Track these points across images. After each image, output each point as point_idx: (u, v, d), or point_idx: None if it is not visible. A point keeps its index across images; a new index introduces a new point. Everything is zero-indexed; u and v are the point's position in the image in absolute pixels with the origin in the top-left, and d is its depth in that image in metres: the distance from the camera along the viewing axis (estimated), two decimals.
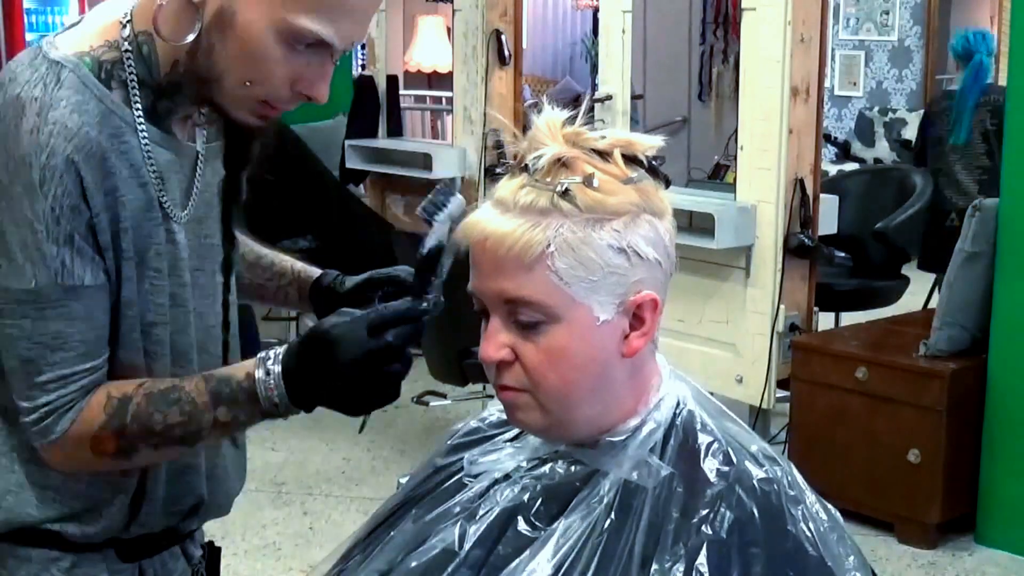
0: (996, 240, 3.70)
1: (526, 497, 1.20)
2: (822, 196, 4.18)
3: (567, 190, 1.11)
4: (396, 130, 5.93)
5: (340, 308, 1.32)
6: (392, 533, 1.28)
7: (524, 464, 1.24)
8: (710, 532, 1.11)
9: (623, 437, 1.18)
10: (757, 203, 3.99)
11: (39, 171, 1.21)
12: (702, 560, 1.10)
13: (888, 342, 4.04)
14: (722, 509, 1.12)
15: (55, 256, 1.23)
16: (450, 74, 5.67)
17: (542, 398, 1.15)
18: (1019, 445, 3.65)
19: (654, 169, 1.17)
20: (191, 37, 1.24)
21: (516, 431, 1.29)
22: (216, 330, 1.43)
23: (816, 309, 4.27)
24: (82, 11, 9.94)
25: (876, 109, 9.08)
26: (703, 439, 1.18)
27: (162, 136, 1.31)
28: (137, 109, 1.27)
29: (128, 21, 1.28)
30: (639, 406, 1.20)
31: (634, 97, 4.54)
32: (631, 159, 1.15)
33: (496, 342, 1.15)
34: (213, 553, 1.56)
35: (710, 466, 1.16)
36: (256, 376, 1.27)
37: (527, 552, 1.15)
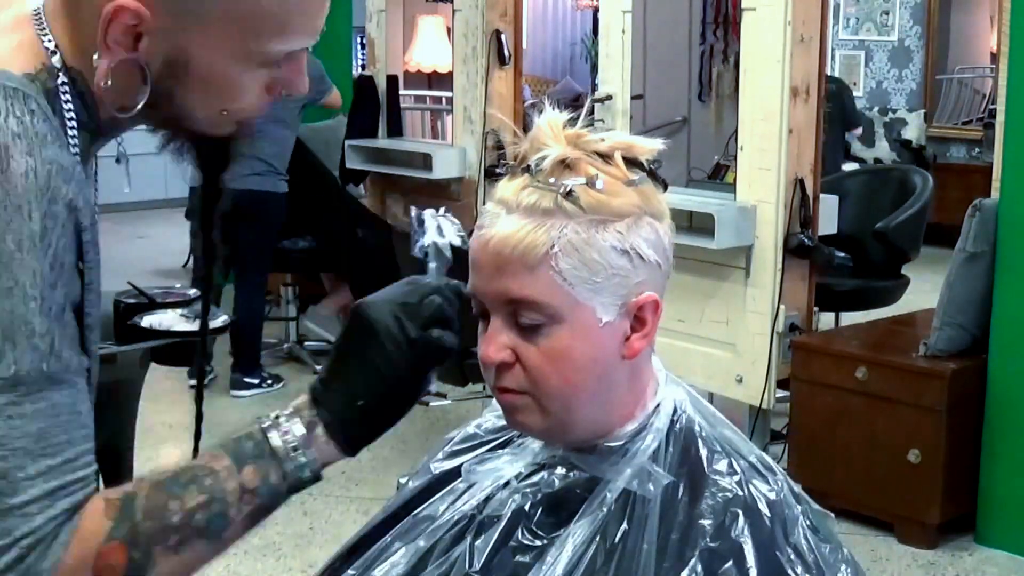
0: (996, 240, 3.70)
1: (527, 506, 1.20)
2: (822, 196, 4.18)
3: (571, 191, 1.11)
4: (396, 130, 5.93)
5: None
6: (389, 539, 1.28)
7: (523, 471, 1.24)
8: (714, 543, 1.11)
9: (622, 442, 1.18)
10: (757, 203, 3.99)
11: (40, 221, 0.99)
12: (706, 571, 1.10)
13: (888, 342, 4.04)
14: (726, 519, 1.12)
15: (45, 334, 0.99)
16: (450, 74, 5.67)
17: (543, 400, 1.15)
18: (1019, 445, 3.66)
19: (653, 172, 1.17)
20: (141, 100, 1.07)
21: (512, 434, 1.29)
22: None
23: (816, 309, 4.27)
24: None
25: (876, 109, 9.08)
26: (703, 447, 1.18)
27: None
28: (75, 149, 1.06)
29: (55, 50, 1.07)
30: (637, 410, 1.20)
31: (634, 97, 4.53)
32: (631, 162, 1.15)
33: (496, 343, 1.14)
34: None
35: (712, 475, 1.16)
36: (273, 444, 1.10)
37: (535, 565, 1.15)
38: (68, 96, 1.07)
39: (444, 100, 7.02)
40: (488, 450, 1.29)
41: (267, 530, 3.79)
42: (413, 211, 1.28)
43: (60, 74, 1.07)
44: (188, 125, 1.12)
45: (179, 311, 2.30)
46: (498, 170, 5.20)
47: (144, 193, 8.56)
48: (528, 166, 1.13)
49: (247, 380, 5.24)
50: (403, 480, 1.38)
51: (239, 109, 1.12)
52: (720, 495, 1.14)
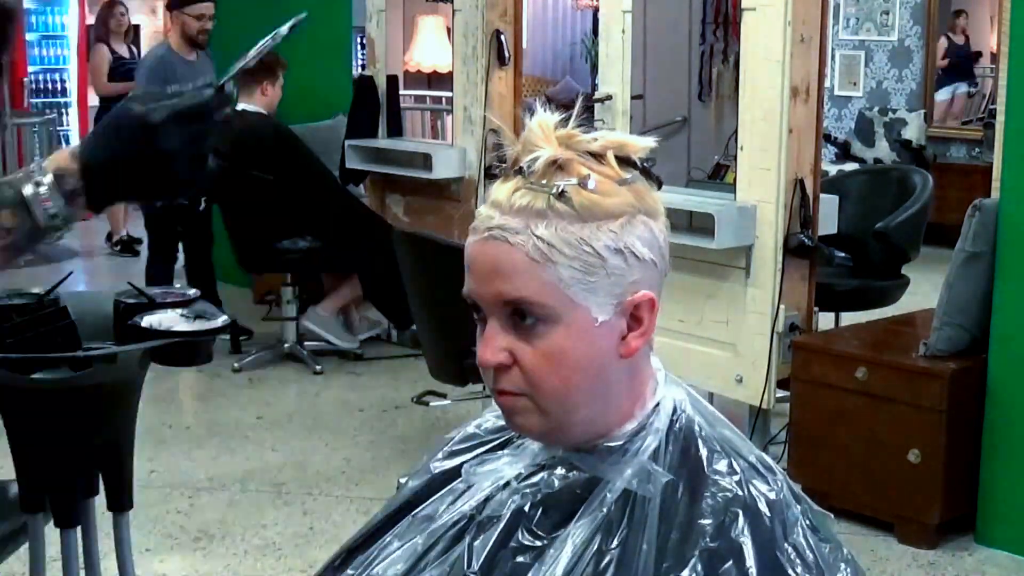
0: (996, 240, 3.70)
1: (526, 507, 1.20)
2: (822, 196, 4.18)
3: (563, 192, 1.12)
4: (396, 130, 5.94)
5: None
6: (388, 539, 1.28)
7: (523, 471, 1.24)
8: (714, 543, 1.11)
9: (621, 442, 1.18)
10: (757, 203, 3.99)
11: None
12: (706, 571, 1.10)
13: (888, 342, 4.04)
14: (726, 519, 1.12)
15: None
16: (450, 74, 5.67)
17: (541, 401, 1.15)
18: (1019, 445, 3.65)
19: (647, 170, 1.17)
20: None
21: (510, 435, 1.29)
22: None
23: (816, 309, 4.27)
24: (82, 11, 9.94)
25: (876, 109, 9.08)
26: (703, 446, 1.18)
27: None
28: None
29: None
30: (635, 409, 1.20)
31: (634, 97, 4.53)
32: (624, 160, 1.16)
33: (493, 346, 1.15)
34: None
35: (712, 475, 1.16)
36: (25, 194, 1.19)
37: (535, 565, 1.15)
38: None
39: (444, 100, 7.03)
40: (488, 450, 1.30)
41: (267, 530, 3.80)
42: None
43: None
44: None
45: (179, 311, 2.30)
46: (497, 170, 5.20)
47: None
48: (520, 168, 1.14)
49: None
50: (403, 480, 1.38)
51: None
52: (720, 495, 1.14)
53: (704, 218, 3.92)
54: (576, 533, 1.14)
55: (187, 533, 3.79)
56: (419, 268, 3.99)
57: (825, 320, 4.84)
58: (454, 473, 1.29)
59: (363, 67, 6.70)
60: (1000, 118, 3.92)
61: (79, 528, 2.35)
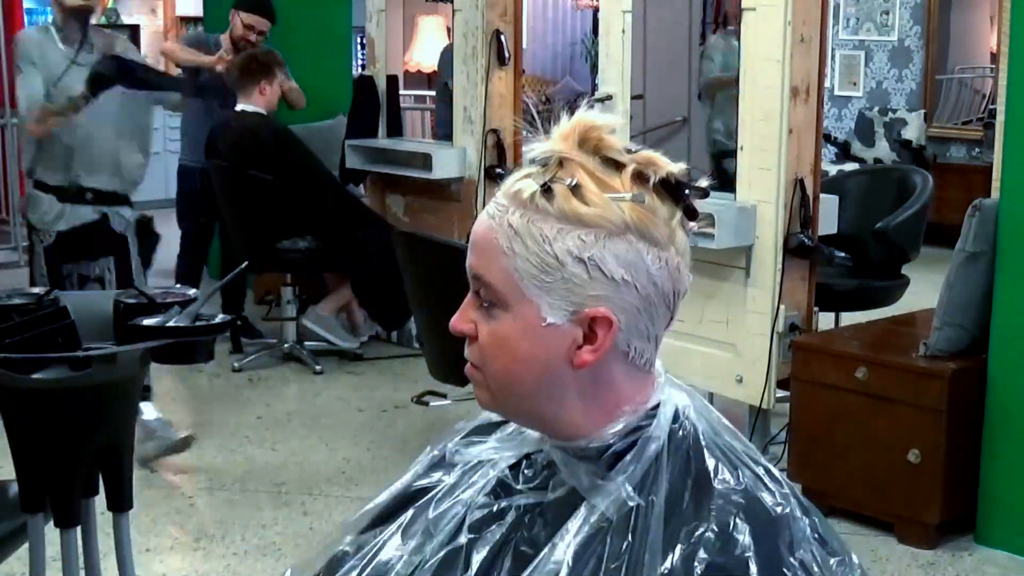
0: (996, 240, 3.70)
1: (525, 515, 1.20)
2: (822, 196, 4.18)
3: (549, 188, 1.13)
4: (396, 130, 5.94)
5: None
6: (391, 532, 1.28)
7: (518, 462, 1.24)
8: (719, 556, 1.09)
9: (609, 442, 1.16)
10: (757, 203, 3.99)
11: None
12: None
13: (888, 342, 4.04)
14: (731, 533, 1.10)
15: None
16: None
17: (488, 379, 1.18)
18: (1019, 445, 3.65)
19: (678, 196, 1.16)
20: None
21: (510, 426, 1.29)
22: None
23: (816, 309, 4.27)
24: None
25: (876, 109, 9.08)
26: (709, 456, 1.16)
27: None
28: None
29: None
30: (618, 410, 1.18)
31: (634, 97, 4.53)
32: (639, 176, 1.14)
33: (464, 315, 1.19)
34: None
35: (718, 486, 1.13)
36: None
37: (532, 571, 1.14)
38: None
39: None
40: (480, 437, 1.31)
41: (267, 530, 3.80)
42: None
43: None
44: None
45: (178, 310, 2.30)
46: (498, 170, 5.22)
47: (144, 193, 8.54)
48: (535, 157, 1.16)
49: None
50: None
51: None
52: (726, 507, 1.12)
53: (704, 218, 3.92)
54: (576, 543, 1.13)
55: (187, 533, 3.79)
56: (419, 268, 3.99)
57: (825, 320, 4.84)
58: (453, 464, 1.30)
59: (363, 67, 6.71)
60: (1000, 118, 3.92)
61: (79, 528, 2.35)
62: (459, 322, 1.19)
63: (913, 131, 8.81)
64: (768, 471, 1.17)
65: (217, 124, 5.61)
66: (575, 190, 1.12)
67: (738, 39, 4.12)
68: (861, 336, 4.15)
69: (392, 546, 1.26)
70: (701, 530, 1.10)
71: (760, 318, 4.04)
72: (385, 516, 1.32)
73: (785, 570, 1.10)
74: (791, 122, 3.92)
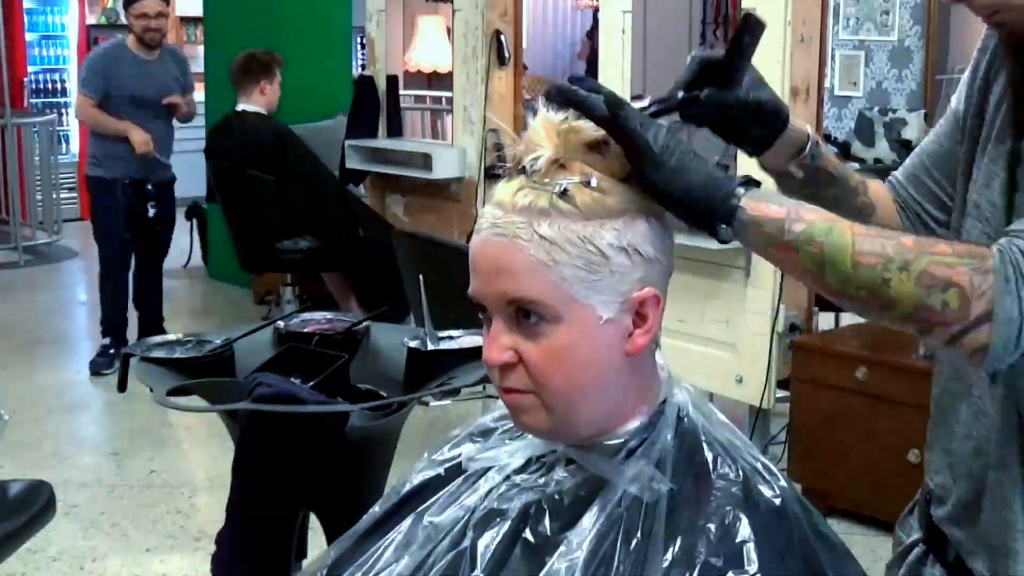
0: None
1: (532, 508, 1.20)
2: None
3: (565, 190, 1.12)
4: (396, 130, 5.94)
5: None
6: (391, 538, 1.27)
7: (521, 462, 1.24)
8: (719, 546, 1.10)
9: (623, 440, 1.18)
10: None
11: None
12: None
13: (888, 342, 4.04)
14: (730, 524, 1.11)
15: None
16: (450, 74, 5.68)
17: (547, 399, 1.15)
18: None
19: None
20: None
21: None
22: None
23: (816, 309, 4.27)
24: (82, 11, 9.94)
25: (876, 109, 9.08)
26: (708, 450, 1.17)
27: None
28: None
29: None
30: (639, 407, 1.19)
31: (634, 97, 4.53)
32: None
33: (499, 345, 1.15)
34: None
35: (718, 479, 1.15)
36: None
37: (541, 566, 1.14)
38: None
39: (444, 100, 7.02)
40: (491, 439, 1.30)
41: None
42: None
43: None
44: None
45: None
46: (497, 170, 5.21)
47: None
48: (523, 167, 1.14)
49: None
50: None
51: None
52: (725, 499, 1.13)
53: None
54: (582, 535, 1.14)
55: (187, 533, 3.79)
56: (419, 268, 3.99)
57: (825, 320, 4.83)
58: (459, 467, 1.29)
59: (363, 67, 6.71)
60: None
61: None
62: (496, 353, 1.15)
63: (913, 131, 8.81)
64: (765, 465, 1.19)
65: (218, 124, 5.61)
66: (589, 184, 1.12)
67: None
68: (861, 336, 4.14)
69: (392, 553, 1.26)
70: (701, 522, 1.12)
71: (760, 318, 4.04)
72: (380, 522, 1.31)
73: (783, 561, 1.11)
74: None
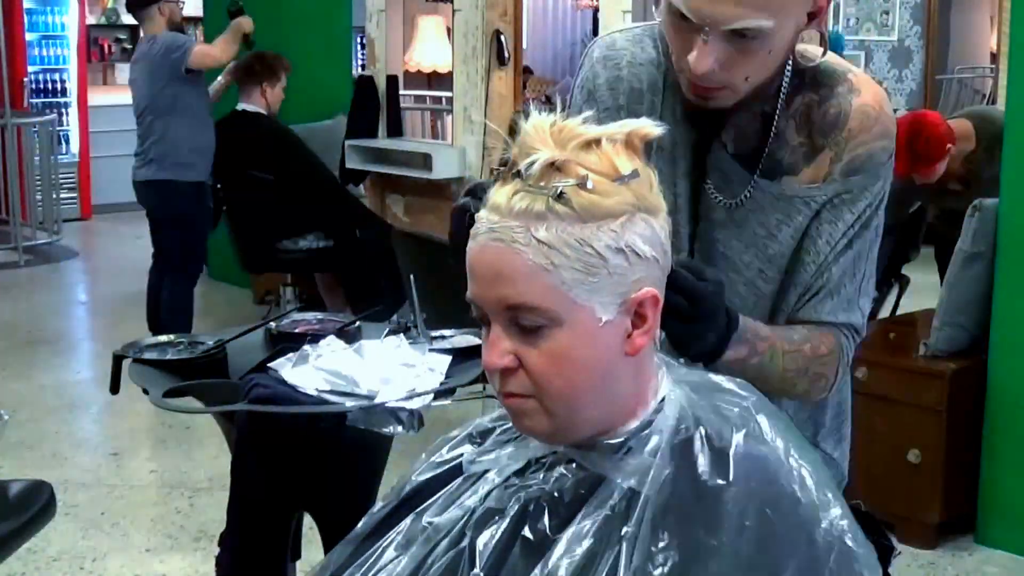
0: (996, 240, 3.70)
1: (530, 505, 1.20)
2: None
3: (561, 193, 1.11)
4: (396, 130, 5.94)
5: None
6: (390, 538, 1.27)
7: (522, 464, 1.24)
8: (714, 542, 1.10)
9: (622, 439, 1.18)
10: None
11: None
12: (713, 569, 1.09)
13: (888, 342, 4.04)
14: (735, 519, 1.12)
15: None
16: (450, 74, 5.68)
17: (548, 402, 1.15)
18: (1019, 445, 3.65)
19: (649, 154, 1.17)
20: None
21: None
22: None
23: None
24: (82, 11, 9.93)
25: None
26: (708, 447, 1.17)
27: None
28: None
29: None
30: (639, 407, 1.19)
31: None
32: (630, 146, 1.16)
33: (499, 349, 1.15)
34: None
35: (719, 476, 1.15)
36: None
37: (540, 563, 1.14)
38: None
39: (444, 100, 7.03)
40: (490, 441, 1.30)
41: None
42: None
43: None
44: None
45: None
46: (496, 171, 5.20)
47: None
48: (518, 171, 1.13)
49: None
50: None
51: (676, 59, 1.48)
52: (724, 496, 1.13)
53: None
54: (579, 532, 1.14)
55: (187, 533, 3.79)
56: (418, 268, 3.99)
57: None
58: (458, 468, 1.29)
59: (363, 67, 6.71)
60: None
61: None
62: (496, 358, 1.15)
63: None
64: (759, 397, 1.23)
65: (218, 124, 5.61)
66: (585, 187, 1.12)
67: None
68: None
69: (392, 553, 1.26)
70: (699, 518, 1.12)
71: None
72: (381, 523, 1.32)
73: (779, 554, 1.12)
74: None
